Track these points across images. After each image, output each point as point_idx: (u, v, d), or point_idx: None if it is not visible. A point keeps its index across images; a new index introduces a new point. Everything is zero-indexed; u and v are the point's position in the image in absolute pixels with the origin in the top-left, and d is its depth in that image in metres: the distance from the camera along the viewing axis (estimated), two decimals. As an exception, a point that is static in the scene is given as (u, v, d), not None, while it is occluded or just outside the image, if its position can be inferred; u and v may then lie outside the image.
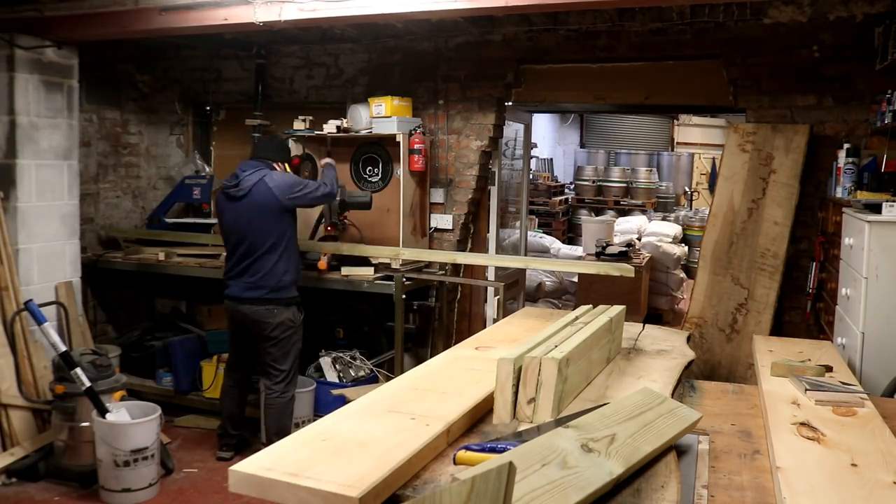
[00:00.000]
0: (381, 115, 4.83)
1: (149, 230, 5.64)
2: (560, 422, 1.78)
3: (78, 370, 3.78)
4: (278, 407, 4.06)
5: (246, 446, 4.33)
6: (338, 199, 4.52)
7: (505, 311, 4.53)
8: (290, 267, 4.03)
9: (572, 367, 2.03)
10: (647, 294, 7.42)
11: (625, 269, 4.10)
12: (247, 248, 3.96)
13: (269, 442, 3.99)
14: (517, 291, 6.04)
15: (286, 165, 4.24)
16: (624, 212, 10.49)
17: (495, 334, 2.90)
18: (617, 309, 2.63)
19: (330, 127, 4.91)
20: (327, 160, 4.51)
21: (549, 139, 12.50)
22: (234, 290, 4.02)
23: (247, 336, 4.11)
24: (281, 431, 3.98)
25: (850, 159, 3.69)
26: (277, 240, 3.96)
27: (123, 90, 5.74)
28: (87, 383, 3.77)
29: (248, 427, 4.37)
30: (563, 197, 10.78)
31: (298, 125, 5.06)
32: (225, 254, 4.19)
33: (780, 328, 4.22)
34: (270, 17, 3.70)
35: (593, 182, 11.05)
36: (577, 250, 8.32)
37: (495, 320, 4.82)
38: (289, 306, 4.01)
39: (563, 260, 4.02)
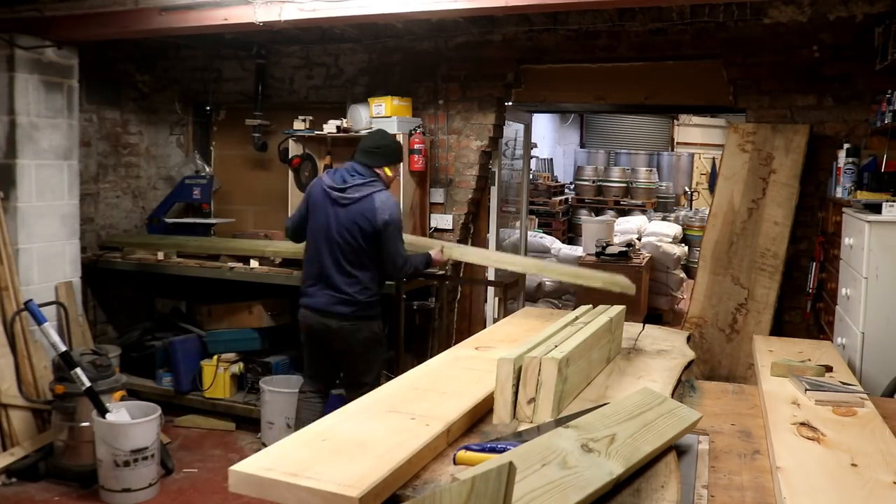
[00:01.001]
0: (381, 115, 4.83)
1: (149, 234, 5.63)
2: (560, 422, 1.78)
3: (78, 370, 3.79)
4: None
5: None
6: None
7: (505, 311, 4.54)
8: (380, 285, 3.79)
9: (572, 367, 2.03)
10: (647, 294, 7.42)
11: (626, 287, 3.71)
12: (338, 257, 3.65)
13: None
14: (517, 291, 6.04)
15: (395, 169, 3.87)
16: (624, 212, 10.49)
17: (495, 334, 2.91)
18: (617, 309, 2.63)
19: (330, 127, 4.92)
20: (437, 255, 3.99)
21: (549, 139, 12.50)
22: (318, 301, 3.69)
23: (326, 347, 3.78)
24: None
25: (850, 159, 3.69)
26: (371, 256, 3.66)
27: (123, 90, 5.74)
28: (87, 383, 3.77)
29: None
30: (563, 197, 10.78)
31: (298, 125, 5.06)
32: (306, 252, 3.81)
33: (780, 328, 4.22)
34: (270, 17, 3.70)
35: (593, 182, 11.05)
36: (577, 250, 8.32)
37: (495, 320, 4.82)
38: (374, 319, 3.76)
39: (555, 266, 3.88)
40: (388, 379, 2.77)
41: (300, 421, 3.87)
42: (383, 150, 3.76)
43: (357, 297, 3.66)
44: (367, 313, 3.72)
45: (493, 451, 1.61)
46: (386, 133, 3.92)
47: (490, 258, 4.38)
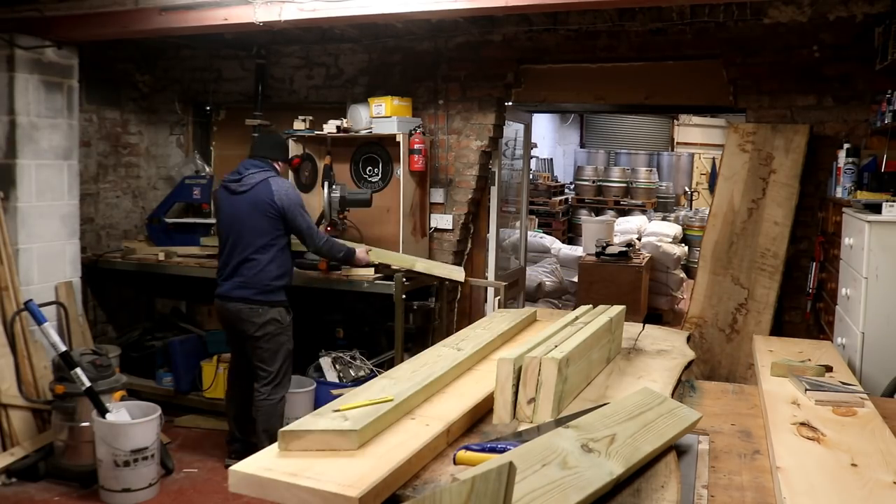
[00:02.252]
0: (381, 115, 4.83)
1: (150, 236, 5.63)
2: (560, 422, 1.78)
3: (78, 370, 3.78)
4: (266, 409, 3.94)
5: (253, 451, 4.28)
6: (338, 196, 4.55)
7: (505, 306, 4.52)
8: (283, 270, 3.96)
9: (572, 367, 2.03)
10: (647, 294, 7.42)
11: (456, 273, 4.60)
12: (240, 245, 3.90)
13: (260, 445, 3.94)
14: (517, 291, 6.04)
15: (286, 165, 4.26)
16: (624, 212, 10.49)
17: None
18: (617, 309, 2.63)
19: (330, 127, 4.91)
20: (362, 254, 4.30)
21: (549, 139, 12.50)
22: (224, 289, 3.94)
23: (238, 336, 4.02)
24: (271, 435, 3.84)
25: (850, 159, 3.69)
26: (271, 240, 3.90)
27: (123, 90, 5.74)
28: (87, 383, 3.77)
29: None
30: (563, 197, 10.78)
31: (298, 125, 5.06)
32: (219, 250, 4.09)
33: (780, 328, 4.22)
34: (270, 17, 3.70)
35: (593, 182, 11.06)
36: (577, 250, 8.32)
37: (495, 320, 4.81)
38: (275, 307, 3.92)
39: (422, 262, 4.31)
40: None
41: (227, 412, 4.24)
42: (272, 142, 4.17)
43: (255, 282, 3.85)
44: (268, 298, 3.88)
45: (493, 451, 1.61)
46: (275, 134, 4.56)
47: (405, 260, 4.57)
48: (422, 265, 4.52)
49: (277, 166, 4.08)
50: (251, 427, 4.08)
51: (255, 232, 3.88)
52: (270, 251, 3.90)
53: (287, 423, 1.94)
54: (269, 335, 3.92)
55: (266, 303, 3.89)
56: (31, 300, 4.02)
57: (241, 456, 4.14)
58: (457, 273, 4.64)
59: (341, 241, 4.26)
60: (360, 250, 4.28)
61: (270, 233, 3.90)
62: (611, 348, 2.51)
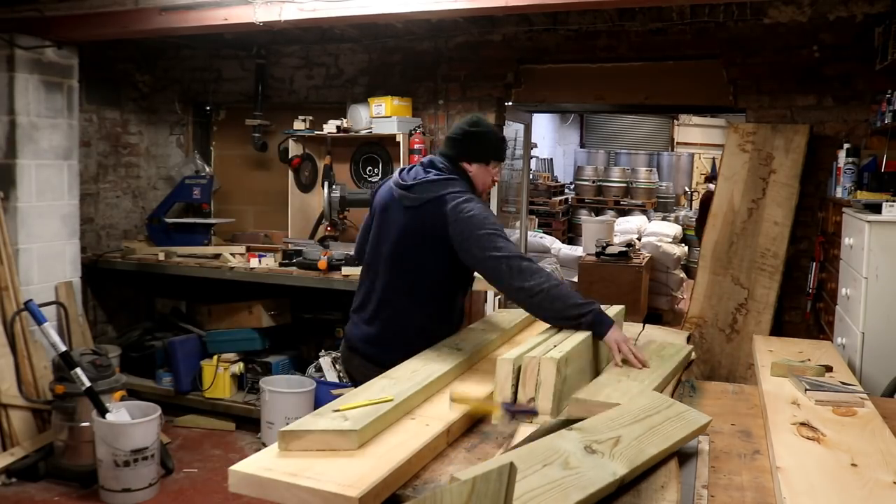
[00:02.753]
0: (381, 115, 4.83)
1: (150, 236, 5.63)
2: (567, 423, 1.78)
3: (78, 370, 3.79)
4: None
5: None
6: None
7: (505, 304, 4.52)
8: (425, 323, 2.61)
9: (571, 367, 2.03)
10: (647, 294, 7.42)
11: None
12: (383, 279, 2.63)
13: None
14: (517, 291, 6.03)
15: (481, 166, 2.66)
16: (624, 212, 10.49)
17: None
18: (616, 308, 2.63)
19: (330, 127, 4.92)
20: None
21: (549, 139, 12.50)
22: (352, 332, 2.72)
23: None
24: None
25: (850, 159, 3.69)
26: (421, 281, 2.58)
27: (123, 90, 5.74)
28: (87, 383, 3.77)
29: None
30: (563, 197, 10.79)
31: (298, 125, 5.06)
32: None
33: (780, 328, 4.22)
34: (270, 17, 3.70)
35: (593, 182, 11.06)
36: (577, 250, 8.32)
37: (495, 320, 4.81)
38: None
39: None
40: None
41: None
42: (469, 137, 2.63)
43: (388, 332, 2.62)
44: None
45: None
46: (479, 117, 2.75)
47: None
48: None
49: (471, 168, 2.64)
50: None
51: (405, 267, 2.61)
52: (418, 295, 2.62)
53: (287, 423, 1.94)
54: None
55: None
56: (31, 300, 4.02)
57: None
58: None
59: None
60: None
61: (427, 269, 2.60)
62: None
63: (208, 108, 5.89)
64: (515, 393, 1.94)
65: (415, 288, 2.57)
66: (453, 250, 2.45)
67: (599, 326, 2.27)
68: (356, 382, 2.50)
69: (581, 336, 2.18)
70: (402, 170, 2.68)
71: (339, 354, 4.79)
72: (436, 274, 2.56)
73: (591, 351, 2.24)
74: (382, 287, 2.61)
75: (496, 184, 3.03)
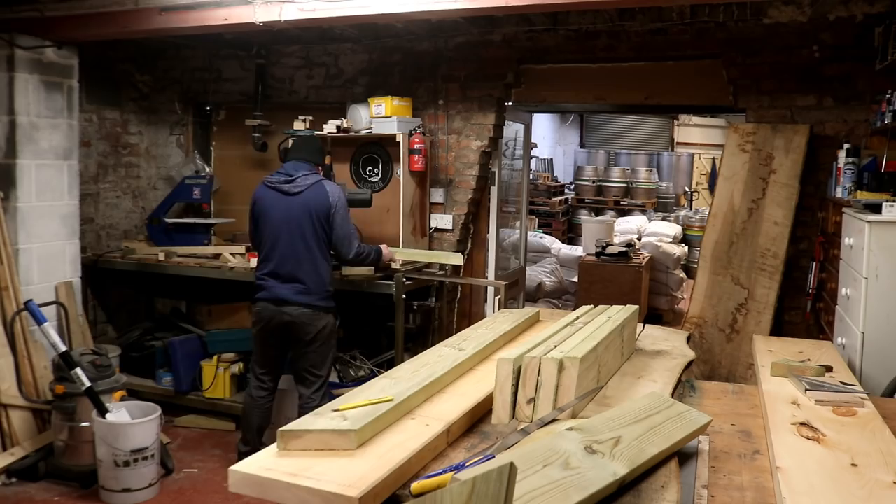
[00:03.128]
0: (381, 115, 4.83)
1: (150, 236, 5.63)
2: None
3: (78, 370, 3.79)
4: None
5: None
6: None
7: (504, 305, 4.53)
8: (331, 276, 3.97)
9: (583, 367, 2.00)
10: (647, 294, 7.43)
11: (454, 258, 4.79)
12: (296, 249, 3.80)
13: None
14: (517, 291, 6.04)
15: (319, 170, 4.09)
16: (624, 212, 10.49)
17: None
18: (623, 311, 2.60)
19: (330, 127, 4.92)
20: (388, 252, 4.32)
21: (549, 139, 12.50)
22: (281, 292, 3.80)
23: (283, 341, 3.92)
24: None
25: (850, 159, 3.69)
26: (325, 245, 3.86)
27: (123, 90, 5.74)
28: (87, 383, 3.77)
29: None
30: (563, 197, 10.79)
31: (298, 125, 5.06)
32: (261, 252, 3.95)
33: (780, 328, 4.22)
34: (270, 17, 3.70)
35: (593, 182, 11.06)
36: (577, 250, 8.32)
37: (495, 320, 4.81)
38: (330, 312, 3.91)
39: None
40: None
41: (251, 422, 4.03)
42: (314, 147, 4.14)
43: (317, 288, 3.82)
44: (326, 304, 3.87)
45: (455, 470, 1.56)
46: (314, 138, 4.39)
47: (422, 254, 4.86)
48: (441, 258, 4.75)
49: (318, 171, 4.03)
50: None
51: (314, 236, 3.82)
52: (326, 257, 3.89)
53: (287, 423, 1.94)
54: (324, 340, 3.88)
55: (325, 308, 3.86)
56: (31, 300, 4.02)
57: None
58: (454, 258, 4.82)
59: (370, 245, 4.18)
60: (385, 249, 4.27)
61: (322, 237, 3.85)
62: (623, 351, 2.49)
63: (208, 108, 5.89)
64: (515, 393, 1.94)
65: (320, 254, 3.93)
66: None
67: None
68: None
69: (594, 341, 2.13)
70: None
71: (339, 354, 4.79)
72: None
73: (605, 353, 2.21)
74: (291, 252, 3.91)
75: None
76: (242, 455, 3.93)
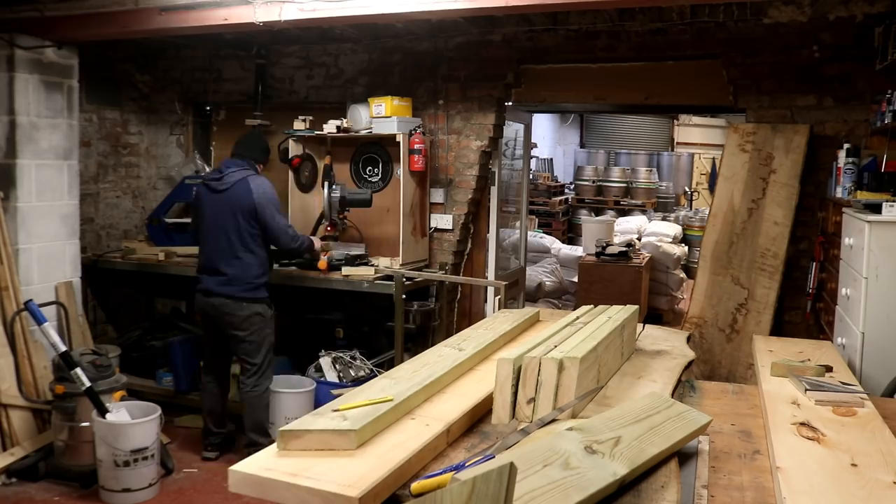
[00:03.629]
0: (381, 115, 4.83)
1: (150, 237, 5.63)
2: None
3: (78, 370, 3.78)
4: (251, 400, 4.14)
5: (230, 445, 4.38)
6: (337, 196, 4.67)
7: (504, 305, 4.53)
8: (264, 269, 4.14)
9: (583, 366, 2.00)
10: (647, 294, 7.42)
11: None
12: (222, 243, 4.03)
13: (248, 438, 4.11)
14: (517, 291, 6.04)
15: (264, 167, 4.37)
16: (624, 212, 10.49)
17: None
18: (631, 308, 2.60)
19: (330, 127, 4.92)
20: (317, 243, 4.55)
21: (549, 139, 12.50)
22: (207, 284, 4.08)
23: (218, 330, 4.15)
24: (257, 425, 4.14)
25: (850, 159, 3.69)
26: (252, 239, 4.04)
27: (123, 90, 5.74)
28: (87, 383, 3.77)
29: (236, 424, 4.42)
30: (563, 197, 10.79)
31: (298, 125, 5.06)
32: (200, 246, 4.22)
33: (780, 328, 4.22)
34: (270, 17, 3.70)
35: (593, 182, 11.06)
36: (577, 250, 8.32)
37: (495, 320, 4.81)
38: (258, 302, 4.08)
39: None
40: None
41: (203, 407, 4.36)
42: (255, 145, 4.30)
43: (241, 280, 4.01)
44: (252, 295, 4.05)
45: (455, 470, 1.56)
46: (257, 136, 4.54)
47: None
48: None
49: (258, 168, 4.22)
50: (224, 420, 4.35)
51: (237, 230, 4.01)
52: (252, 249, 4.05)
53: (287, 423, 1.93)
54: (253, 329, 4.07)
55: (249, 298, 4.05)
56: (31, 300, 4.02)
57: (219, 449, 4.28)
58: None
59: (303, 235, 4.34)
60: (316, 240, 4.50)
61: (250, 231, 4.03)
62: (623, 351, 2.49)
63: (208, 108, 5.89)
64: (515, 393, 1.94)
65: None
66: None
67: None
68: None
69: (593, 341, 2.13)
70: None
71: (339, 354, 4.79)
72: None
73: (605, 353, 2.21)
74: (218, 246, 4.16)
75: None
76: (207, 442, 4.34)
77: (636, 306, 2.70)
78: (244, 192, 4.01)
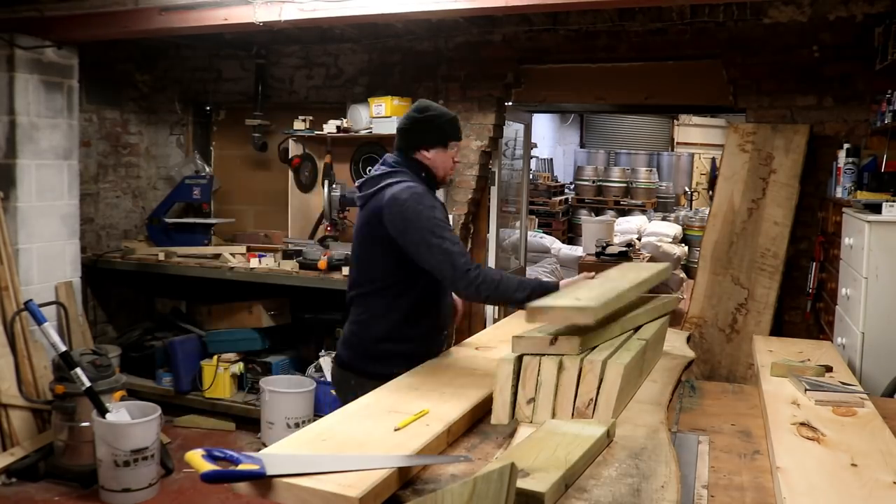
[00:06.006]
0: (381, 115, 4.83)
1: (150, 236, 5.63)
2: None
3: (78, 370, 3.79)
4: None
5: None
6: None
7: (505, 311, 4.53)
8: (394, 327, 2.47)
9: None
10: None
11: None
12: (351, 280, 2.63)
13: None
14: (517, 291, 6.02)
15: (428, 152, 2.52)
16: (624, 212, 10.50)
17: (495, 334, 2.90)
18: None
19: (330, 127, 4.92)
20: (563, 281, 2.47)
21: (549, 139, 12.50)
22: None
23: None
24: None
25: (850, 159, 3.69)
26: (383, 281, 2.48)
27: (123, 90, 5.74)
28: (87, 383, 3.77)
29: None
30: (563, 197, 10.79)
31: (298, 125, 5.06)
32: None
33: (780, 328, 4.22)
34: (270, 17, 3.70)
35: (593, 182, 11.06)
36: (577, 250, 8.33)
37: (496, 320, 4.82)
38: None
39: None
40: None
41: None
42: (419, 124, 2.52)
43: (358, 336, 2.54)
44: (370, 369, 2.45)
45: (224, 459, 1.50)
46: (426, 102, 2.60)
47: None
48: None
49: (427, 155, 2.52)
50: None
51: (366, 265, 2.57)
52: (385, 295, 2.51)
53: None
54: None
55: (366, 374, 2.46)
56: (31, 300, 4.02)
57: None
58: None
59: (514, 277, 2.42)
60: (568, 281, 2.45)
61: (382, 268, 2.50)
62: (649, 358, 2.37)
63: (208, 108, 5.89)
64: (515, 393, 1.94)
65: (374, 288, 2.50)
66: (398, 246, 2.39)
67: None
68: (342, 397, 2.48)
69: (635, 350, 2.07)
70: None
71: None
72: (390, 273, 2.47)
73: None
74: (350, 287, 2.62)
75: (457, 165, 3.05)
76: None
77: (666, 316, 2.53)
78: (375, 209, 2.47)
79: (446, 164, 2.57)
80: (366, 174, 5.06)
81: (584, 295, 1.97)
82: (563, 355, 1.93)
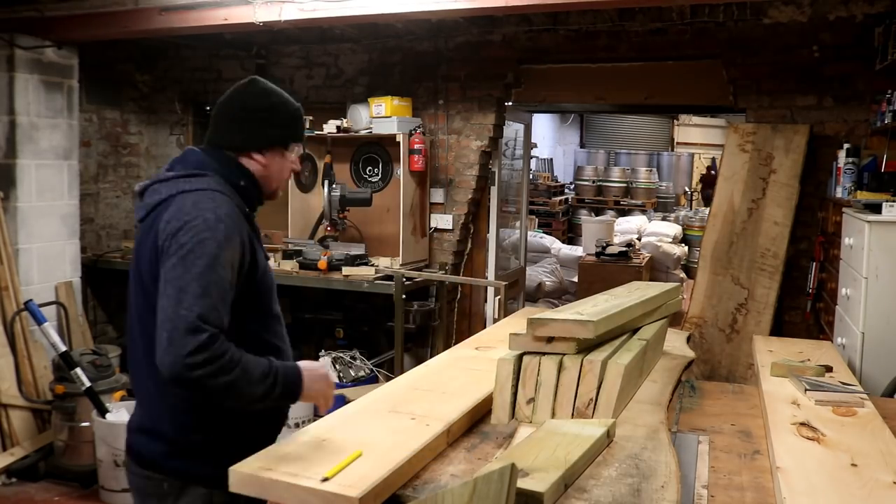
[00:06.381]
0: (381, 115, 4.83)
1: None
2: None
3: (78, 370, 3.79)
4: None
5: None
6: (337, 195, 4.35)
7: (505, 310, 4.53)
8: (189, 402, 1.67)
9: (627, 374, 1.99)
10: (647, 294, 7.41)
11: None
12: (132, 331, 1.76)
13: None
14: (517, 291, 6.04)
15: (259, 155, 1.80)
16: (624, 212, 10.50)
17: (495, 334, 2.90)
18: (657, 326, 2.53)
19: (330, 127, 4.92)
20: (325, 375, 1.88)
21: (549, 139, 12.49)
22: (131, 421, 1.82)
23: None
24: None
25: (850, 159, 3.69)
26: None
27: (123, 90, 5.74)
28: (87, 383, 3.77)
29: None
30: (563, 197, 10.79)
31: (298, 125, 5.05)
32: None
33: (780, 328, 4.22)
34: (270, 17, 3.70)
35: (593, 182, 11.06)
36: (577, 250, 8.32)
37: (496, 320, 4.82)
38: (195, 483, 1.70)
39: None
40: (388, 379, 2.79)
41: None
42: (258, 114, 1.78)
43: (152, 414, 1.73)
44: (175, 465, 1.70)
45: None
46: (265, 84, 1.83)
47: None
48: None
49: (251, 161, 1.79)
50: None
51: (144, 311, 1.69)
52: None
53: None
54: None
55: (176, 474, 1.71)
56: (31, 300, 4.02)
57: None
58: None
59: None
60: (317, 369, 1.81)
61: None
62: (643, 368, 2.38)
63: (208, 108, 5.88)
64: (515, 393, 1.94)
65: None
66: None
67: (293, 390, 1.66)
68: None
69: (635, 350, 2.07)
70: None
71: (339, 354, 4.79)
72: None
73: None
74: (130, 346, 1.77)
75: (294, 173, 1.93)
76: None
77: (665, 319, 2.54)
78: (153, 230, 1.69)
79: (283, 173, 1.84)
80: (366, 174, 5.13)
81: (587, 310, 2.05)
82: (563, 355, 1.93)
